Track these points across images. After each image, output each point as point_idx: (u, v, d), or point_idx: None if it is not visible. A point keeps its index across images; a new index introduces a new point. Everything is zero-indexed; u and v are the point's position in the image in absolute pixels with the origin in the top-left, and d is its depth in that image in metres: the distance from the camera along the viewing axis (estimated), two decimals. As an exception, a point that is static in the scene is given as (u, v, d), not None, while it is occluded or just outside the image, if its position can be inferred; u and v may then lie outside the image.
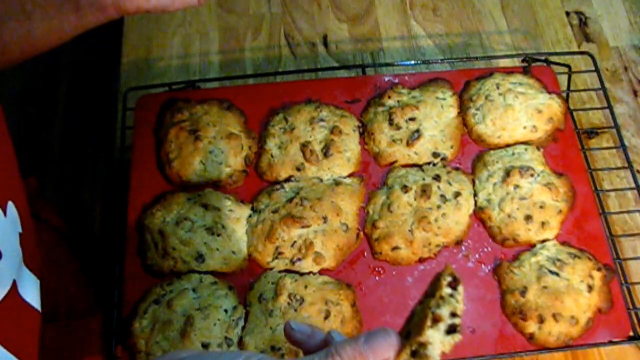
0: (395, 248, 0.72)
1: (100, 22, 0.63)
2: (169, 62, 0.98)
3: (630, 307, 0.71)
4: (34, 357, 0.55)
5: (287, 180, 0.77)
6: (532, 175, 0.74)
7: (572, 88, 0.86)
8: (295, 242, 0.72)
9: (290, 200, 0.73)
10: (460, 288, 0.39)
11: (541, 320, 0.68)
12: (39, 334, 0.56)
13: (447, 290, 0.39)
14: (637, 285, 0.76)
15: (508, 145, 0.79)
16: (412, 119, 0.78)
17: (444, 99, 0.81)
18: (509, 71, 0.83)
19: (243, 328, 0.68)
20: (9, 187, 0.54)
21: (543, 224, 0.73)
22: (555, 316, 0.67)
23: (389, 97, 0.80)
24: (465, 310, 0.69)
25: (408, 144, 0.78)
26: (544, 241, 0.73)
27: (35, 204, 0.75)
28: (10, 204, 0.52)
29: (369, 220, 0.75)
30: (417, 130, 0.78)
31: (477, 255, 0.73)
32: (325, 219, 0.72)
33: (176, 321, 0.67)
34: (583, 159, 0.80)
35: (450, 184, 0.75)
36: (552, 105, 0.79)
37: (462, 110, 0.81)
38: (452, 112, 0.80)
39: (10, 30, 0.61)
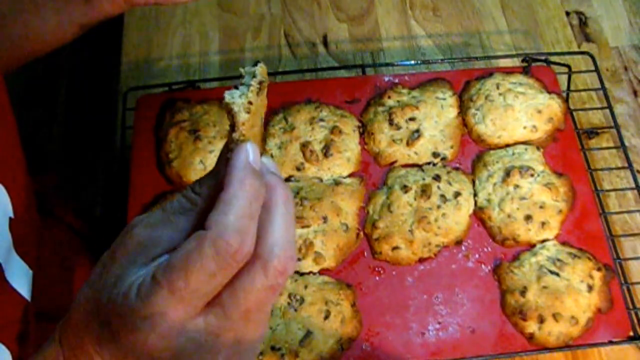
0: (395, 248, 0.72)
1: (109, 14, 0.63)
2: (169, 62, 0.98)
3: (630, 307, 0.71)
4: (18, 346, 0.53)
5: (287, 180, 0.77)
6: (532, 175, 0.74)
7: (572, 88, 0.86)
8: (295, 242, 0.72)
9: (290, 200, 0.73)
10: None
11: (541, 320, 0.68)
12: (28, 324, 0.55)
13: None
14: (637, 285, 0.76)
15: (508, 145, 0.79)
16: (412, 119, 0.78)
17: (444, 99, 0.81)
18: (509, 71, 0.83)
19: (243, 328, 0.68)
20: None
21: (543, 224, 0.73)
22: (555, 316, 0.67)
23: (389, 97, 0.80)
24: (465, 310, 0.70)
25: (408, 144, 0.78)
26: (544, 241, 0.73)
27: (52, 200, 0.75)
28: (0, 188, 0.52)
29: (369, 220, 0.75)
30: (417, 130, 0.78)
31: (477, 255, 0.73)
32: (325, 219, 0.72)
33: (176, 321, 0.67)
34: (583, 159, 0.80)
35: (450, 184, 0.75)
36: (552, 105, 0.79)
37: (462, 110, 0.81)
38: (452, 112, 0.80)
39: (22, 23, 0.61)
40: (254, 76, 0.37)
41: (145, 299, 0.33)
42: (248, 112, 0.36)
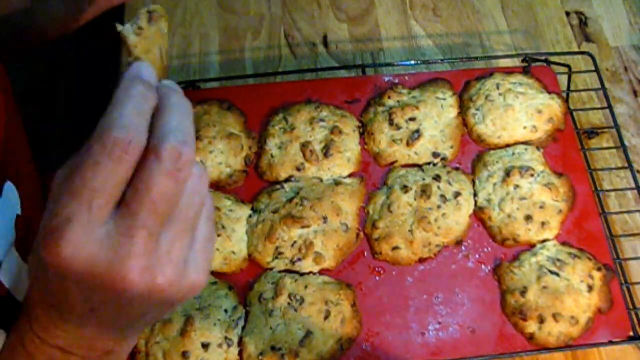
0: (395, 248, 0.72)
1: (114, 4, 0.63)
2: (169, 62, 0.98)
3: (630, 307, 0.71)
4: None
5: (287, 180, 0.77)
6: (532, 175, 0.74)
7: (572, 88, 0.86)
8: (295, 242, 0.72)
9: (290, 200, 0.73)
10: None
11: (541, 320, 0.68)
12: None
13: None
14: (637, 285, 0.76)
15: (508, 145, 0.79)
16: (412, 119, 0.78)
17: (444, 99, 0.81)
18: (509, 71, 0.83)
19: (243, 328, 0.68)
20: (8, 167, 0.53)
21: (543, 224, 0.73)
22: (555, 316, 0.67)
23: (389, 97, 0.80)
24: (465, 310, 0.70)
25: (408, 144, 0.78)
26: (544, 241, 0.73)
27: None
28: (8, 185, 0.51)
29: (369, 220, 0.75)
30: (417, 130, 0.78)
31: (477, 255, 0.73)
32: (325, 219, 0.72)
33: (176, 321, 0.67)
34: (583, 159, 0.80)
35: (450, 184, 0.75)
36: (552, 105, 0.79)
37: (462, 110, 0.81)
38: (452, 112, 0.80)
39: (28, 11, 0.61)
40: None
41: (52, 210, 0.33)
42: (138, 35, 0.40)
